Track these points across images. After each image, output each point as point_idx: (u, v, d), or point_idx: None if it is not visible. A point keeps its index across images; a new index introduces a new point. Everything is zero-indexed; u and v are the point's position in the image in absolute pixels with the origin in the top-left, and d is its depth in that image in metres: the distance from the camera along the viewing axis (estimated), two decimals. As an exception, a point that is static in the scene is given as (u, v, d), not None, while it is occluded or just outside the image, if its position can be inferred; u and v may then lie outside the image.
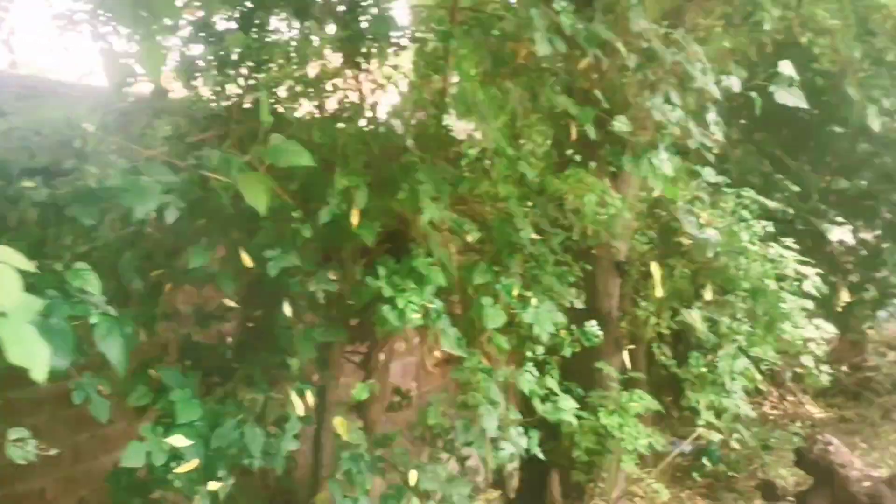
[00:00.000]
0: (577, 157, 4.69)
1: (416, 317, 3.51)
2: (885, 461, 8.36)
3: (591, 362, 5.36)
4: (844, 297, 6.90)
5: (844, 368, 10.33)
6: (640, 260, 5.41)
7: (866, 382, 10.06)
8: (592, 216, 4.62)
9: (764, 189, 7.58)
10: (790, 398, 10.07)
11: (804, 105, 3.93)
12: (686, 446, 8.98)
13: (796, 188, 7.50)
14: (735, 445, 5.22)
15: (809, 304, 4.97)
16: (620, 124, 3.82)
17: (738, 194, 5.05)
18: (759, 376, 5.07)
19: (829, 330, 5.06)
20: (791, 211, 7.44)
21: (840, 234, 7.04)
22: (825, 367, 5.12)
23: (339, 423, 3.79)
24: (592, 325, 4.26)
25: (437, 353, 3.92)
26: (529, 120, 5.17)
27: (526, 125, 5.31)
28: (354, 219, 3.53)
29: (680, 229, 4.56)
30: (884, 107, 6.95)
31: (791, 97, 3.91)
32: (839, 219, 7.32)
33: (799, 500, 5.19)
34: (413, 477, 3.92)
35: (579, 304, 4.53)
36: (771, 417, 9.37)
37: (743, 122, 8.17)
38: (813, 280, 5.00)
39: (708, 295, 4.83)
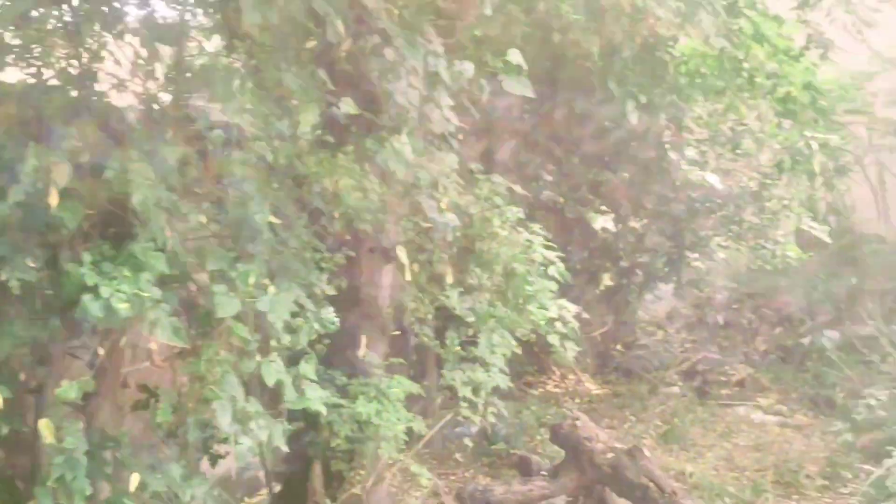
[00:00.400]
0: (331, 140, 4.49)
1: (124, 307, 3.18)
2: (648, 433, 8.94)
3: (356, 349, 5.24)
4: (606, 280, 7.28)
5: (619, 347, 10.97)
6: (407, 245, 5.33)
7: (637, 360, 10.72)
8: (349, 201, 4.48)
9: (536, 179, 7.84)
10: (571, 377, 10.52)
11: (530, 94, 3.99)
12: (472, 428, 9.18)
13: (568, 179, 7.80)
14: (492, 419, 5.28)
15: (554, 287, 5.13)
16: (347, 106, 3.68)
17: (488, 180, 5.11)
18: (514, 342, 5.16)
19: (572, 309, 5.25)
20: (562, 200, 7.73)
21: (602, 222, 7.39)
22: (571, 344, 5.31)
23: (43, 426, 3.38)
24: (329, 312, 4.10)
25: (153, 346, 3.59)
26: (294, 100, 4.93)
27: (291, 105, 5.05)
28: (53, 199, 3.14)
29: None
30: (641, 102, 7.33)
31: (518, 85, 3.95)
32: (604, 208, 7.67)
33: (551, 473, 5.35)
34: (134, 480, 3.58)
35: (331, 291, 4.37)
36: (531, 395, 9.69)
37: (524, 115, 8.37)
38: (558, 265, 5.18)
39: (450, 279, 4.85)
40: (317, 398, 4.15)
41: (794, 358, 10.24)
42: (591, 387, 10.48)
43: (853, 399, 8.55)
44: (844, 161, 12.23)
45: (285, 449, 4.09)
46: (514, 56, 3.96)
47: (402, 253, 4.39)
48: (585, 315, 10.20)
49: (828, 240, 8.79)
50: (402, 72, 3.71)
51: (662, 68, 7.80)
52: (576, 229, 7.70)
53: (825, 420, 9.02)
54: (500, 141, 7.64)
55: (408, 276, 4.60)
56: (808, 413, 9.45)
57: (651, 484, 5.00)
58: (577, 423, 5.25)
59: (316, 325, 4.07)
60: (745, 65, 7.59)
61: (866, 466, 7.20)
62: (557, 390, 10.35)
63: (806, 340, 10.18)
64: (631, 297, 9.67)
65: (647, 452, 5.17)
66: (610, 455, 5.16)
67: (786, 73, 7.44)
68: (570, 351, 5.28)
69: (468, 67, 3.95)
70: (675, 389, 10.14)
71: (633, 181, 8.22)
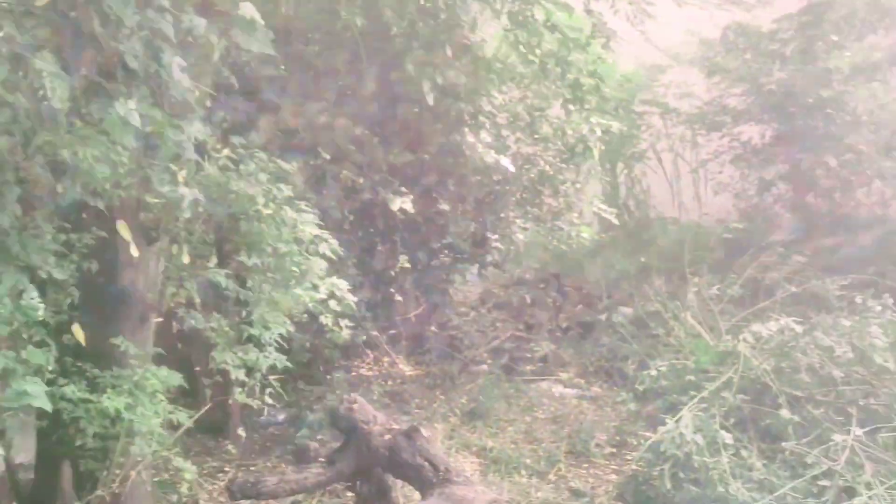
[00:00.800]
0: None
1: None
2: (454, 411, 8.93)
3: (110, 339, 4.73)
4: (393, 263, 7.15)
5: (433, 329, 10.93)
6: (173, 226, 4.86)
7: (450, 340, 10.73)
8: (89, 174, 3.96)
9: (338, 158, 7.54)
10: (385, 359, 10.36)
11: (270, 51, 3.70)
12: (280, 416, 8.80)
13: (367, 159, 7.56)
14: (269, 401, 4.96)
15: (324, 265, 4.87)
16: (42, 63, 3.20)
17: (252, 155, 4.73)
18: (288, 321, 4.86)
19: (342, 287, 5.02)
20: (361, 181, 7.48)
21: (401, 203, 7.22)
22: (346, 322, 5.08)
23: None
24: (32, 298, 3.60)
25: None
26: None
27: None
28: None
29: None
30: (438, 83, 7.23)
31: (256, 42, 3.62)
32: (404, 189, 7.49)
33: (328, 459, 5.11)
34: None
35: (60, 275, 3.86)
36: (344, 380, 9.44)
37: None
38: (331, 243, 4.92)
39: (186, 258, 4.47)
40: (40, 394, 3.64)
41: (593, 334, 10.61)
42: (405, 368, 10.37)
43: (642, 370, 8.94)
44: (640, 148, 12.94)
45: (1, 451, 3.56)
46: (247, 9, 3.60)
47: (123, 229, 3.90)
48: (399, 298, 10.17)
49: (616, 222, 9.12)
50: (125, 30, 3.28)
51: (461, 52, 7.74)
52: (376, 211, 7.48)
53: (618, 391, 9.39)
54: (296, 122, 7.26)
55: (134, 252, 4.09)
56: (604, 385, 9.81)
57: (426, 463, 4.87)
58: (354, 406, 5.03)
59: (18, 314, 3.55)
60: (538, 51, 7.69)
61: (648, 434, 7.51)
62: (371, 373, 10.17)
63: (603, 317, 10.57)
64: (441, 278, 9.60)
65: (424, 432, 5.03)
66: (387, 437, 4.98)
67: (574, 60, 7.58)
68: (346, 330, 5.04)
69: (199, 23, 3.52)
70: (485, 367, 10.24)
71: (436, 162, 8.10)
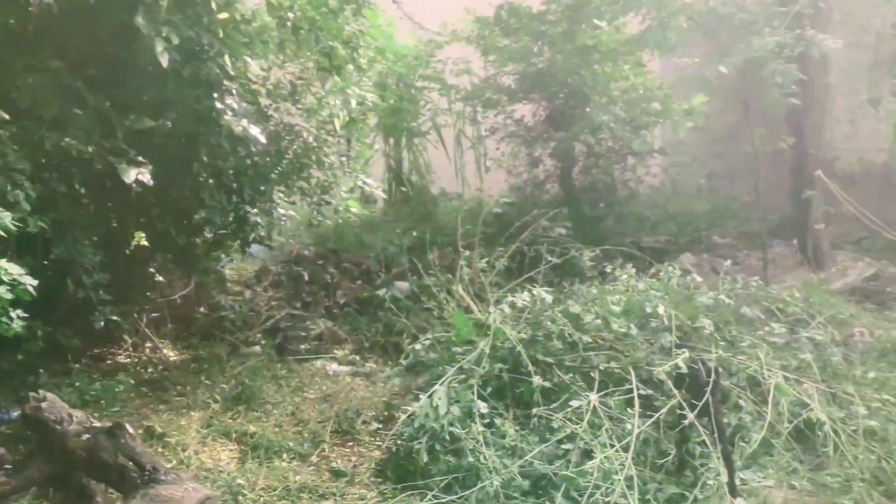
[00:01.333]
0: None
1: None
2: (215, 396, 8.19)
3: None
4: (135, 240, 6.33)
5: (202, 310, 10.13)
6: None
7: (220, 322, 9.97)
8: None
9: (61, 123, 6.54)
10: (148, 345, 9.40)
11: None
12: (14, 413, 7.67)
13: (98, 126, 6.61)
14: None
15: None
16: None
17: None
18: None
19: (15, 272, 4.22)
20: (91, 150, 6.54)
21: (136, 174, 6.36)
22: (19, 312, 4.27)
23: None
24: None
25: None
26: None
27: None
28: None
29: None
30: (174, 43, 6.44)
31: None
32: (141, 159, 6.62)
33: (17, 466, 4.32)
34: None
35: None
36: (96, 370, 8.46)
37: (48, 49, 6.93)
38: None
39: None
40: None
41: (370, 309, 10.31)
42: (169, 353, 9.48)
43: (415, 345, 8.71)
44: (421, 123, 12.77)
45: None
46: None
47: None
48: (160, 278, 9.24)
49: (384, 196, 8.80)
50: None
51: (204, 10, 6.98)
52: (105, 181, 6.55)
53: (392, 366, 9.13)
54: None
55: None
56: (379, 361, 9.53)
57: (130, 463, 4.23)
58: (43, 405, 4.27)
59: None
60: (290, 14, 7.10)
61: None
62: (128, 361, 9.17)
63: (381, 292, 10.29)
64: (203, 256, 8.80)
65: (129, 429, 4.37)
66: (86, 437, 4.28)
67: (327, 27, 7.08)
68: (17, 321, 4.24)
69: None
70: (257, 349, 9.59)
71: (184, 131, 7.28)
